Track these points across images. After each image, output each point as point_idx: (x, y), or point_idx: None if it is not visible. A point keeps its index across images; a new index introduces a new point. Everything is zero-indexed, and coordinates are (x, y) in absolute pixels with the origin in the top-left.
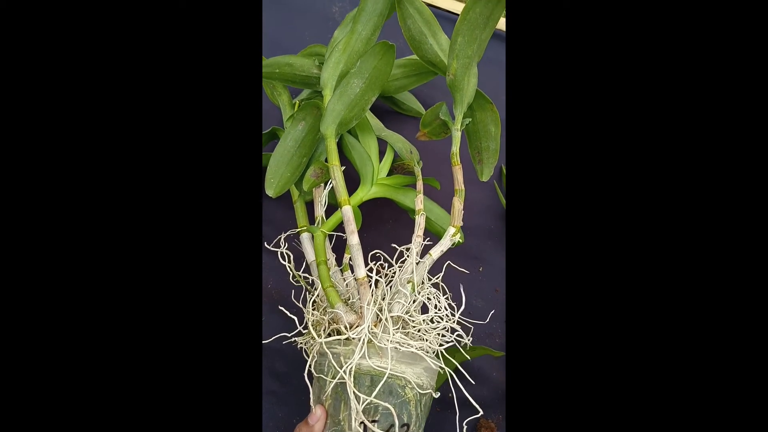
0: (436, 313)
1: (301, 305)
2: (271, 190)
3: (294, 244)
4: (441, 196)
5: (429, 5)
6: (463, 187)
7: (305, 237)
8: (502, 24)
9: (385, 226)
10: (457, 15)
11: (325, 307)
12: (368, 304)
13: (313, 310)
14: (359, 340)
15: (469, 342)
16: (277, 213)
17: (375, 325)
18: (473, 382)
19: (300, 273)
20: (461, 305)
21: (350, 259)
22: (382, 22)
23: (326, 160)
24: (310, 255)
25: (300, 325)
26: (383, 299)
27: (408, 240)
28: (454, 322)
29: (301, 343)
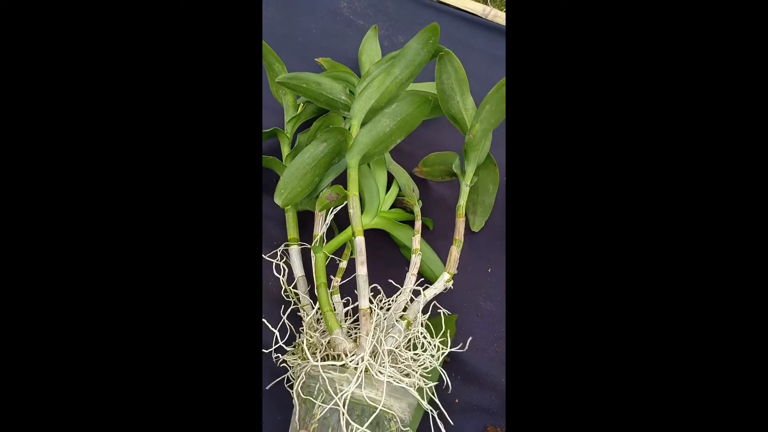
0: (423, 352)
1: (286, 320)
2: (280, 199)
3: (284, 253)
4: (431, 235)
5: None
6: (462, 238)
7: (294, 251)
8: (502, 19)
9: (378, 256)
10: (454, 8)
11: (323, 331)
12: (368, 335)
13: (308, 329)
14: (356, 369)
15: (446, 380)
16: (266, 223)
17: (372, 355)
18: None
19: (292, 288)
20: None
21: (355, 289)
22: (419, 71)
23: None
24: (297, 270)
25: (282, 340)
26: (380, 331)
27: (394, 273)
28: (439, 361)
29: (286, 360)
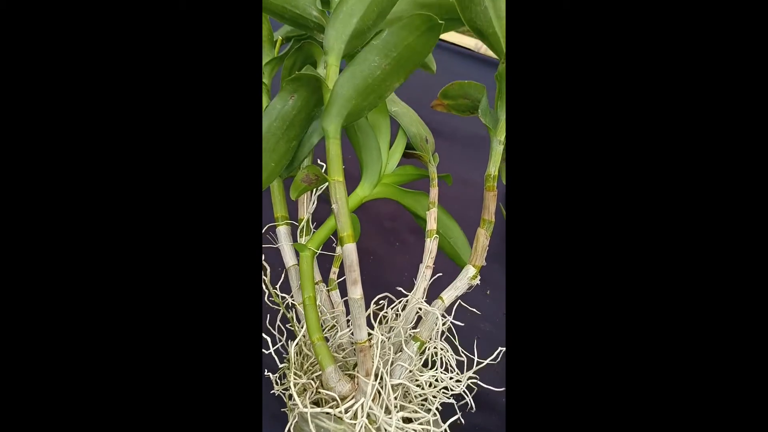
0: (442, 376)
1: (274, 329)
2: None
3: (269, 236)
4: (455, 193)
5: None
6: (493, 219)
7: (283, 231)
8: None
9: (386, 229)
10: (450, 43)
11: (312, 361)
12: (368, 375)
13: (296, 355)
14: (354, 422)
15: (471, 403)
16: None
17: (372, 400)
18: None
19: (277, 290)
20: (466, 358)
21: (348, 317)
22: None
23: (325, 170)
24: (288, 258)
25: (273, 350)
26: (383, 363)
27: (415, 252)
28: (463, 384)
29: (276, 386)
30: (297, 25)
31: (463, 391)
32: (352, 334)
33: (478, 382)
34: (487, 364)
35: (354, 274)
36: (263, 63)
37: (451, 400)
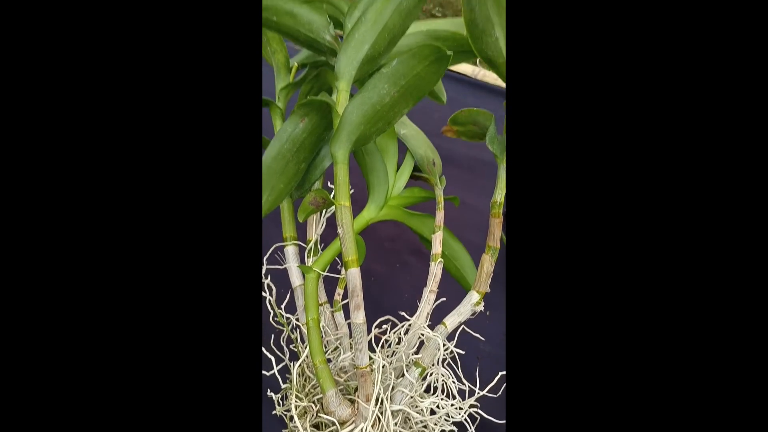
0: (443, 404)
1: (279, 349)
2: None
3: (277, 256)
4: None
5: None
6: (498, 245)
7: (291, 252)
8: (491, 78)
9: (386, 251)
10: (448, 70)
11: (314, 383)
12: (368, 401)
13: (298, 377)
14: None
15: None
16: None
17: (372, 425)
18: None
19: (282, 311)
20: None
21: (350, 338)
22: None
23: (332, 194)
24: (295, 278)
25: (276, 368)
26: (384, 388)
27: (415, 273)
28: (464, 412)
29: (279, 409)
30: (311, 49)
31: (465, 420)
32: (353, 357)
33: (480, 411)
34: (489, 388)
35: (357, 299)
36: (279, 88)
37: (453, 428)
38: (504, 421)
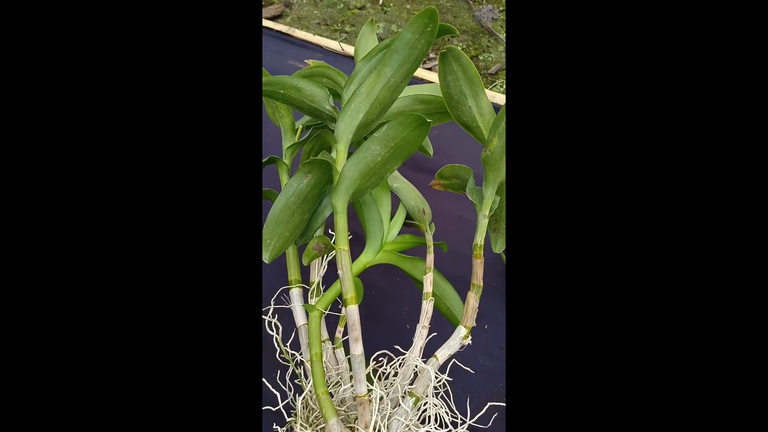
0: (436, 429)
1: (284, 385)
2: (267, 253)
3: (283, 297)
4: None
5: None
6: (481, 283)
7: (295, 293)
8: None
9: (389, 288)
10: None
11: (316, 414)
12: (366, 428)
13: (302, 408)
14: None
15: None
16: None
17: None
18: None
19: (287, 348)
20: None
21: (349, 366)
22: (416, 68)
23: (333, 239)
24: (299, 318)
25: (281, 404)
26: (381, 417)
27: (414, 307)
28: None
29: None
30: (314, 116)
31: None
32: (353, 388)
33: None
34: (487, 399)
35: (356, 333)
36: (285, 147)
37: None
38: None
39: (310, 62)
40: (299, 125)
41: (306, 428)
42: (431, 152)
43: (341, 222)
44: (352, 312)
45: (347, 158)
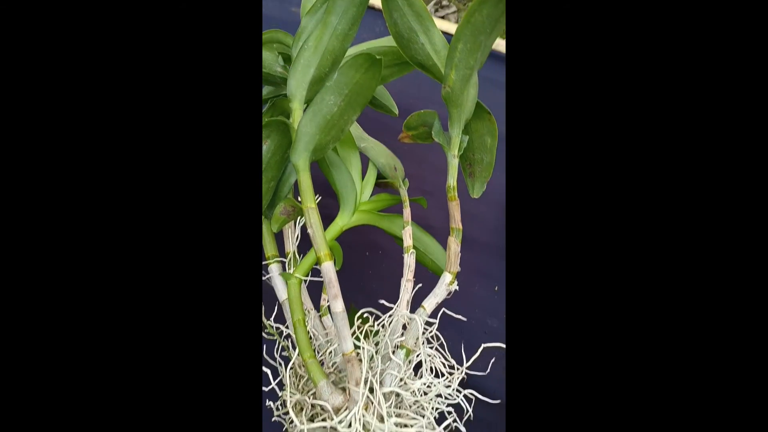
0: (432, 381)
1: (275, 360)
2: None
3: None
4: (436, 212)
5: None
6: (460, 226)
7: (274, 269)
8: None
9: (369, 255)
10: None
11: (306, 380)
12: (357, 385)
13: (291, 377)
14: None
15: (470, 412)
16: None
17: (366, 408)
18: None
19: (271, 322)
20: (461, 362)
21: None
22: (362, 12)
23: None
24: (281, 293)
25: (274, 381)
26: (373, 374)
27: (398, 271)
28: (454, 384)
29: (276, 412)
30: (266, 83)
31: (461, 399)
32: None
33: (474, 393)
34: (496, 361)
35: (334, 290)
36: None
37: (450, 408)
38: (499, 401)
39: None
40: None
41: (294, 394)
42: (396, 111)
43: (305, 180)
44: (327, 269)
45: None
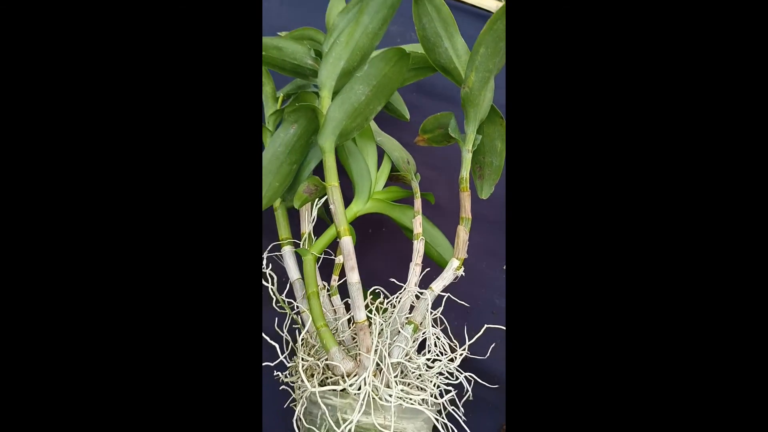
0: (436, 357)
1: (283, 332)
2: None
3: (275, 257)
4: (443, 207)
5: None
6: (470, 216)
7: (287, 251)
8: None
9: (380, 241)
10: (469, 5)
11: (317, 348)
12: (368, 352)
13: (303, 346)
14: (359, 394)
15: (470, 391)
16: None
17: (374, 375)
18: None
19: (284, 297)
20: (463, 341)
21: (349, 298)
22: (393, 14)
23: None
24: (293, 273)
25: (282, 354)
26: (382, 344)
27: (406, 257)
28: (456, 361)
29: (285, 380)
30: (296, 75)
31: (463, 377)
32: (351, 317)
33: (473, 376)
34: (501, 341)
35: (351, 262)
36: (268, 114)
37: (450, 388)
38: (497, 386)
39: (282, 34)
40: (280, 94)
41: (306, 360)
42: (407, 116)
43: (330, 161)
44: (346, 243)
45: (331, 101)
